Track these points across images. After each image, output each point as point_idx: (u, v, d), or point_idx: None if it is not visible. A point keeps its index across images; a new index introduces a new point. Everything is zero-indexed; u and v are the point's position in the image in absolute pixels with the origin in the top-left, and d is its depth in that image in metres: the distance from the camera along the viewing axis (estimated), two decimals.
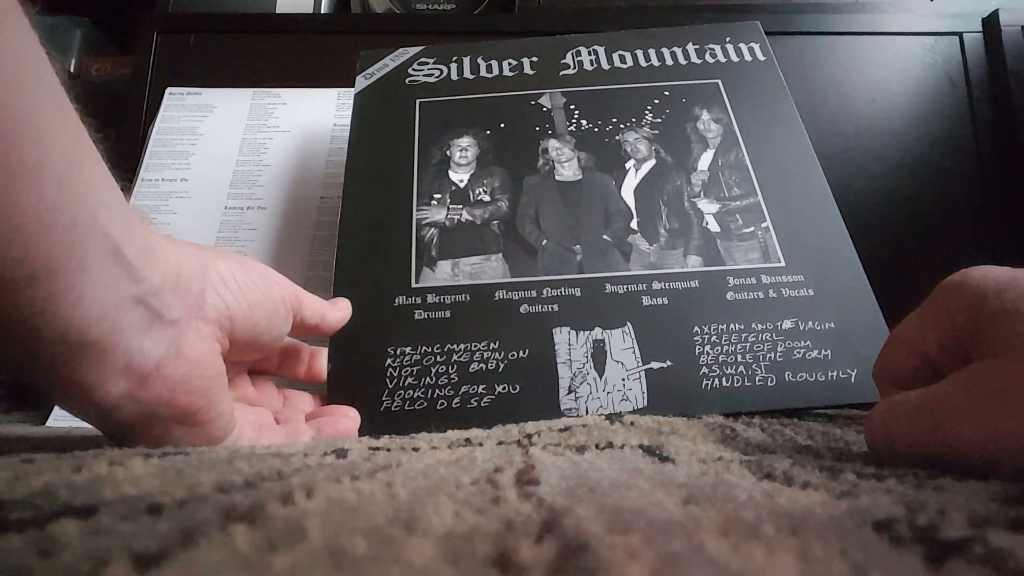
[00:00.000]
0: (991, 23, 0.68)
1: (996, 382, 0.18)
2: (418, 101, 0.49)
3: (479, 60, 0.52)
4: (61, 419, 0.46)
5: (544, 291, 0.40)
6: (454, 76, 0.51)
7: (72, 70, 0.85)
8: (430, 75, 0.51)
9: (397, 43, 0.54)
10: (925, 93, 0.67)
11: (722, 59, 0.51)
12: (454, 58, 0.52)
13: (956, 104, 0.67)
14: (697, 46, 0.52)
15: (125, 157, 0.62)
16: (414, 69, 0.51)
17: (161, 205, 0.56)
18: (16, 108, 0.19)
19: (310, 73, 0.67)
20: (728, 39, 0.52)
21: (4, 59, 0.19)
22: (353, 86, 0.52)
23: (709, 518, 0.12)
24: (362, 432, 0.35)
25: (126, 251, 0.23)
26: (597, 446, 0.26)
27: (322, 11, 0.83)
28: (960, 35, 0.69)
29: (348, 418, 0.35)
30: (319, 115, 0.62)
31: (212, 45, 0.71)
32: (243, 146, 0.60)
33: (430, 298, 0.40)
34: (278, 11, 0.81)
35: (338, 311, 0.36)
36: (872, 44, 0.69)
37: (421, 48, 0.53)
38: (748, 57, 0.51)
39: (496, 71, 0.51)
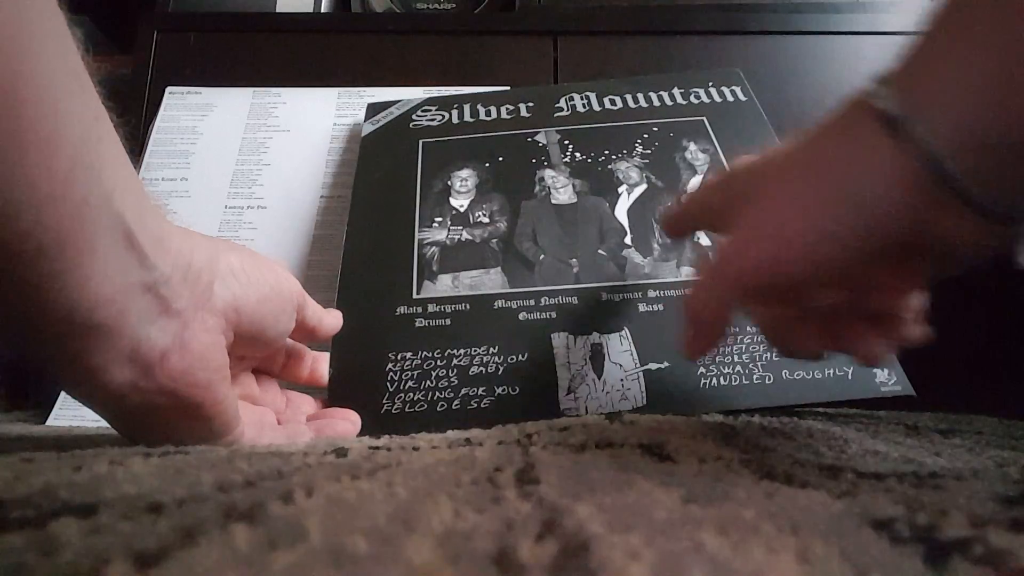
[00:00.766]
0: None
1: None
2: (421, 142, 0.52)
3: (479, 106, 0.55)
4: (61, 418, 0.46)
5: (542, 300, 0.40)
6: (455, 120, 0.54)
7: None
8: (432, 120, 0.54)
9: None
10: None
11: (706, 100, 0.54)
12: (455, 105, 0.55)
13: None
14: (682, 90, 0.55)
15: None
16: (417, 115, 0.55)
17: (161, 204, 0.56)
18: (32, 81, 0.19)
19: (310, 72, 0.67)
20: (711, 83, 0.55)
21: (25, 34, 0.19)
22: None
23: (709, 517, 0.12)
24: (362, 434, 0.35)
25: (138, 236, 0.23)
26: (597, 445, 0.26)
27: (322, 11, 0.83)
28: None
29: (348, 421, 0.35)
30: (319, 114, 0.62)
31: (212, 45, 0.71)
32: (243, 145, 0.60)
33: (431, 308, 0.40)
34: (278, 11, 0.81)
35: (333, 318, 0.37)
36: (872, 44, 0.69)
37: (424, 98, 0.56)
38: (731, 98, 0.54)
39: (495, 115, 0.54)
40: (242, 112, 0.62)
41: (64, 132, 0.20)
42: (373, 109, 0.56)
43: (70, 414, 0.45)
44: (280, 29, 0.73)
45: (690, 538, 0.11)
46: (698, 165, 0.49)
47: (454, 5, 0.84)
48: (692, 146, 0.50)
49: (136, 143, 0.63)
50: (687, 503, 0.14)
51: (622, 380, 0.37)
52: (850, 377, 0.37)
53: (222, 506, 0.13)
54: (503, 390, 0.37)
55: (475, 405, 0.36)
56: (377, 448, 0.25)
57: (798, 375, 0.37)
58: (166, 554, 0.10)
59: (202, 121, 0.61)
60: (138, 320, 0.23)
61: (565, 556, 0.10)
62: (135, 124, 0.66)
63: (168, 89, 0.63)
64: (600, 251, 0.43)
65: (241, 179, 0.57)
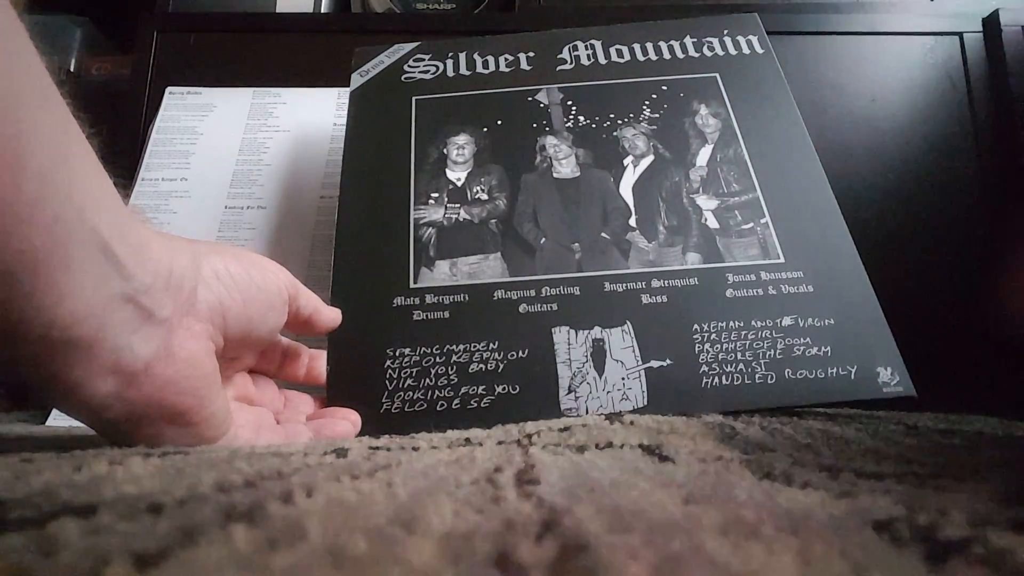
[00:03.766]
0: (991, 23, 0.68)
1: None
2: (414, 98, 0.49)
3: (475, 56, 0.51)
4: (61, 419, 0.46)
5: (543, 290, 0.40)
6: (450, 73, 0.51)
7: (72, 70, 0.85)
8: (426, 72, 0.51)
9: (396, 43, 0.53)
10: (925, 93, 0.67)
11: (720, 52, 0.51)
12: (450, 54, 0.52)
13: (956, 104, 0.67)
14: (695, 39, 0.51)
15: (125, 157, 0.62)
16: (409, 66, 0.51)
17: (161, 204, 0.56)
18: None
19: (310, 73, 0.67)
20: (726, 32, 0.52)
21: None
22: None
23: (709, 518, 0.12)
24: (362, 434, 0.35)
25: (115, 248, 0.22)
26: (597, 446, 0.26)
27: (322, 11, 0.83)
28: (960, 35, 0.69)
29: (347, 421, 0.35)
30: (319, 115, 0.62)
31: (212, 45, 0.71)
32: (243, 146, 0.60)
33: (428, 298, 0.40)
34: (278, 11, 0.81)
35: (331, 309, 0.36)
36: (872, 44, 0.69)
37: (416, 44, 0.52)
38: (746, 50, 0.51)
39: (492, 67, 0.51)
40: (242, 112, 0.62)
41: (31, 152, 0.19)
42: (361, 57, 0.52)
43: None
44: (280, 29, 0.73)
45: (690, 539, 0.11)
46: (708, 132, 0.47)
47: (454, 5, 0.84)
48: (703, 110, 0.48)
49: (136, 143, 0.63)
50: (687, 503, 0.14)
51: (623, 379, 0.37)
52: (853, 377, 0.36)
53: (222, 506, 0.13)
54: (503, 389, 0.36)
55: (475, 404, 0.36)
56: (377, 448, 0.25)
57: (801, 374, 0.36)
58: (166, 555, 0.10)
59: (202, 121, 0.61)
60: (119, 332, 0.23)
61: (565, 556, 0.10)
62: (135, 125, 0.66)
63: (168, 89, 0.63)
64: (603, 234, 0.42)
65: (241, 179, 0.57)
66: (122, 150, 0.64)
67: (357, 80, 0.51)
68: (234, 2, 0.80)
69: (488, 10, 0.83)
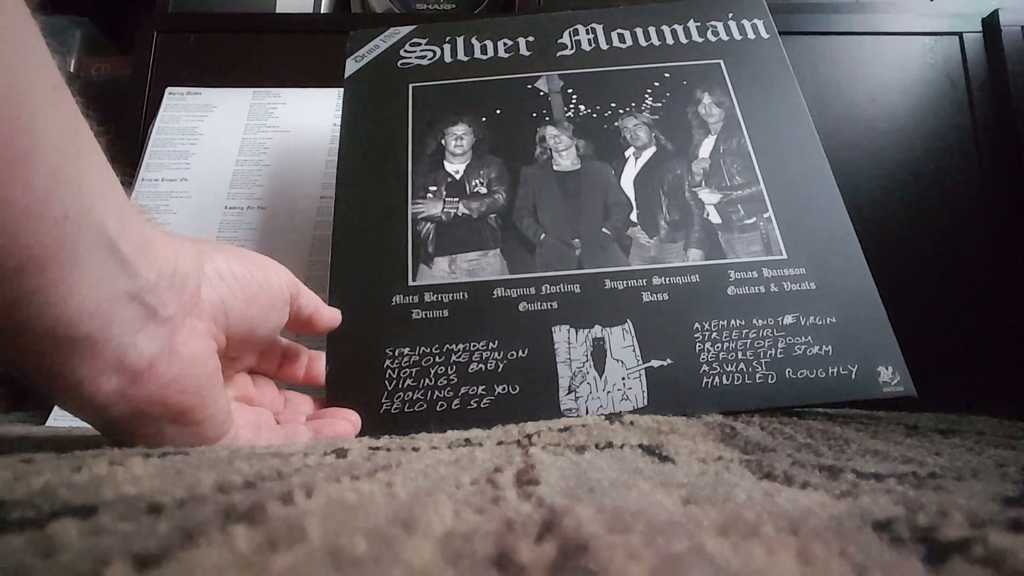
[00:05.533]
0: (991, 23, 0.68)
1: None
2: (411, 86, 0.48)
3: (473, 40, 0.50)
4: (61, 419, 0.46)
5: (543, 288, 0.39)
6: (447, 58, 0.49)
7: (72, 70, 0.85)
8: (422, 57, 0.49)
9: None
10: (925, 93, 0.67)
11: (724, 37, 0.49)
12: (447, 38, 0.50)
13: (956, 104, 0.67)
14: (699, 23, 0.50)
15: (125, 157, 0.62)
16: (406, 51, 0.50)
17: (161, 205, 0.56)
18: (8, 97, 0.18)
19: (310, 73, 0.67)
20: (731, 15, 0.50)
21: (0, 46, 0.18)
22: None
23: (709, 518, 0.12)
24: (362, 434, 0.35)
25: (122, 246, 0.22)
26: (597, 446, 0.26)
27: (322, 11, 0.83)
28: (960, 35, 0.69)
29: (347, 421, 0.35)
30: (319, 115, 0.62)
31: (212, 45, 0.71)
32: (243, 146, 0.60)
33: (428, 297, 0.39)
34: (278, 11, 0.81)
35: (331, 310, 0.36)
36: (872, 44, 0.69)
37: (413, 28, 0.51)
38: (751, 35, 0.50)
39: (491, 52, 0.49)
40: (242, 113, 0.62)
41: (42, 147, 0.19)
42: (357, 41, 0.50)
43: (70, 415, 0.45)
44: (280, 29, 0.73)
45: (690, 539, 0.11)
46: (711, 123, 0.46)
47: (454, 5, 0.84)
48: (706, 98, 0.47)
49: (136, 144, 0.63)
50: (687, 504, 0.14)
51: (624, 379, 0.37)
52: (853, 377, 0.36)
53: (222, 507, 0.13)
54: (503, 389, 0.36)
55: (475, 405, 0.36)
56: (377, 448, 0.25)
57: (801, 374, 0.36)
58: (166, 555, 0.10)
59: (202, 122, 0.61)
60: (124, 330, 0.23)
61: (565, 557, 0.10)
62: (135, 125, 0.66)
63: (168, 90, 0.63)
64: (604, 229, 0.42)
65: (241, 180, 0.57)
66: (122, 151, 0.63)
67: (352, 66, 0.49)
68: (234, 2, 0.80)
69: (488, 10, 0.83)
